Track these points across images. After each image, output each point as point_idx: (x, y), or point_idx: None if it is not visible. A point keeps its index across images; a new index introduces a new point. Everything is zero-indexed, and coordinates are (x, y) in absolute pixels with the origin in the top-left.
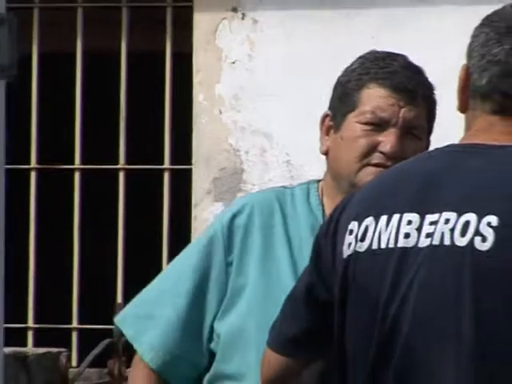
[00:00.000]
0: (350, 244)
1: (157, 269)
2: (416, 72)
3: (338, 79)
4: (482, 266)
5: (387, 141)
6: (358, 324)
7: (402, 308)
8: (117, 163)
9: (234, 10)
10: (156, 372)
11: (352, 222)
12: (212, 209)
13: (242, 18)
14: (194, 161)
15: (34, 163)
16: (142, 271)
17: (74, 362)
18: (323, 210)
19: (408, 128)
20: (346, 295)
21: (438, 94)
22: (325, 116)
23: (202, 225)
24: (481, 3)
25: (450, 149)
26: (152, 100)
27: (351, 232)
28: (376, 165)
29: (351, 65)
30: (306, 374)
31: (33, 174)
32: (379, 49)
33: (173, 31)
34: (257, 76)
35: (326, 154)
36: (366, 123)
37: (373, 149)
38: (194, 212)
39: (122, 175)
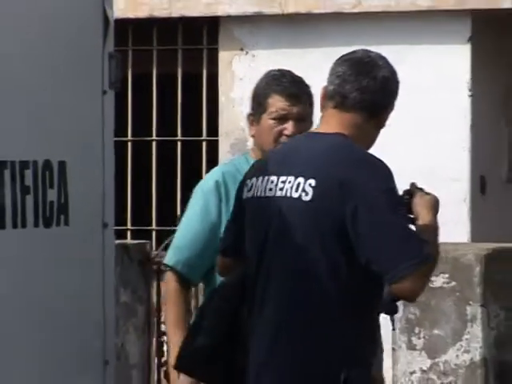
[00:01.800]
0: (246, 192)
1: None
2: (298, 81)
3: (253, 91)
4: (304, 210)
5: (288, 127)
6: (248, 242)
7: (253, 233)
8: (176, 136)
9: (241, 49)
10: (181, 274)
11: (247, 180)
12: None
13: (246, 54)
14: (219, 134)
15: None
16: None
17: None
18: None
19: (298, 118)
20: (244, 224)
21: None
22: (249, 115)
23: None
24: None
25: (302, 135)
26: (196, 101)
27: (246, 185)
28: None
29: (259, 82)
30: (237, 269)
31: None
32: None
33: (207, 61)
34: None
35: (253, 136)
36: (273, 118)
37: (280, 133)
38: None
39: (179, 144)
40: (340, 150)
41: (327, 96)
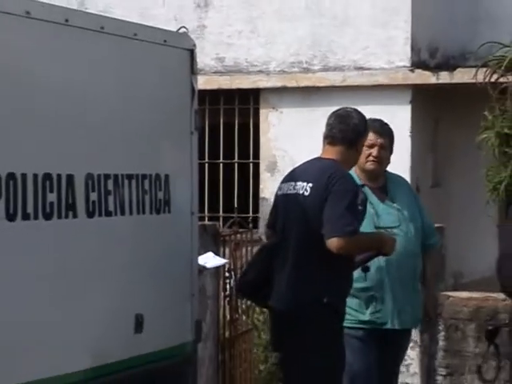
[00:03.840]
0: (279, 191)
1: None
2: (384, 124)
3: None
4: (304, 202)
5: (373, 152)
6: (278, 220)
7: (281, 217)
8: (234, 159)
9: (273, 108)
10: None
11: (281, 184)
12: (269, 184)
13: (276, 111)
14: (260, 159)
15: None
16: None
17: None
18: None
19: (380, 147)
20: (277, 210)
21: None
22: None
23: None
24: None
25: (313, 158)
26: (246, 139)
27: (280, 188)
28: (371, 161)
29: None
30: (273, 237)
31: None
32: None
33: (253, 115)
34: (284, 129)
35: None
36: (366, 145)
37: (369, 155)
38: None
39: (236, 165)
40: (328, 168)
41: (324, 137)
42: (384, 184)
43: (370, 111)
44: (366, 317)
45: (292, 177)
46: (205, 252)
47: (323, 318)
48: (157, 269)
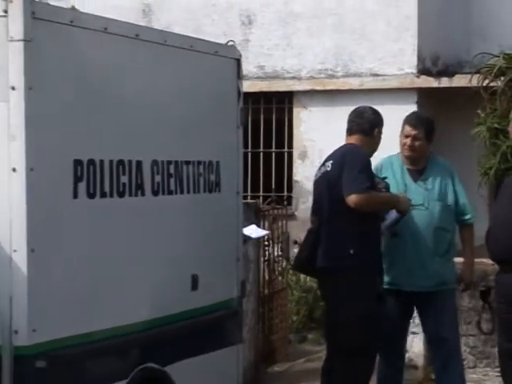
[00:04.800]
0: (315, 177)
1: None
2: (419, 117)
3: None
4: (328, 176)
5: (407, 142)
6: (315, 203)
7: (317, 195)
8: (271, 149)
9: (304, 107)
10: None
11: (317, 171)
12: (300, 169)
13: (306, 109)
14: (294, 148)
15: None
16: None
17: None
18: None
19: (413, 137)
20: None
21: None
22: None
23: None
24: None
25: (340, 145)
26: (281, 131)
27: (316, 175)
28: (406, 149)
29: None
30: (316, 223)
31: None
32: None
33: (288, 112)
34: (312, 124)
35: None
36: (403, 136)
37: (405, 144)
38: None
39: (273, 154)
40: (345, 148)
41: (346, 130)
42: (424, 167)
43: (383, 110)
44: (387, 278)
45: (324, 161)
46: (248, 225)
47: (352, 268)
48: (209, 238)
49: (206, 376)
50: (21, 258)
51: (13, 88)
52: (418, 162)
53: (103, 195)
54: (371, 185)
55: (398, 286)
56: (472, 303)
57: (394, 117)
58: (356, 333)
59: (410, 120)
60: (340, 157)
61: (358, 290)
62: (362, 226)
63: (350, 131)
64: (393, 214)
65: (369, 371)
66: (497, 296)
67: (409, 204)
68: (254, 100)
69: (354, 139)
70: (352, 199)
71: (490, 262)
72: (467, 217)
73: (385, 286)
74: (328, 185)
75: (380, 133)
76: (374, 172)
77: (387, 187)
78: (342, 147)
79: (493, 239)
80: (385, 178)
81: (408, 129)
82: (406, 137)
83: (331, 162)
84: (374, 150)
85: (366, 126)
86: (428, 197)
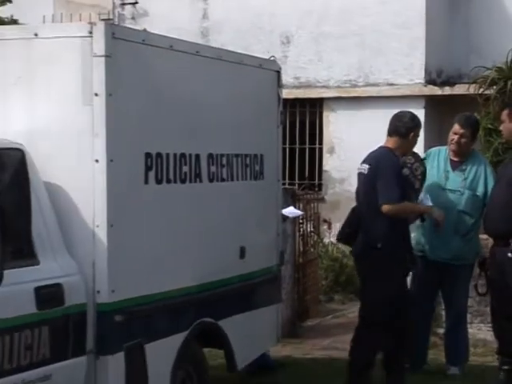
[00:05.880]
0: (357, 170)
1: None
2: (467, 118)
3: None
4: (364, 178)
5: (455, 138)
6: (359, 190)
7: (357, 188)
8: (305, 145)
9: (332, 110)
10: None
11: (359, 165)
12: (329, 162)
13: (334, 112)
14: (323, 144)
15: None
16: None
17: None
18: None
19: (460, 135)
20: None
21: None
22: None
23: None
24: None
25: (377, 147)
26: (314, 131)
27: (359, 168)
28: (452, 144)
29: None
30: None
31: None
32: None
33: (318, 115)
34: (339, 125)
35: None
36: (452, 132)
37: (452, 140)
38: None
39: (307, 149)
40: (379, 154)
41: (388, 130)
42: (465, 160)
43: (390, 114)
44: (418, 247)
45: (363, 160)
46: (286, 206)
47: (378, 259)
48: (255, 216)
49: (252, 329)
50: (102, 232)
51: (96, 94)
52: (460, 154)
53: (168, 181)
54: (402, 190)
55: (425, 253)
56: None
57: None
58: (382, 308)
59: (459, 120)
60: (375, 162)
61: (387, 271)
62: (390, 222)
63: (390, 133)
64: (427, 201)
65: (383, 343)
66: (490, 265)
67: (442, 216)
68: (291, 105)
69: (391, 141)
70: (385, 208)
71: (484, 236)
72: None
73: (415, 252)
74: (364, 185)
75: (416, 136)
76: (422, 157)
77: (424, 173)
78: (377, 150)
79: (489, 218)
80: (423, 159)
81: (457, 127)
82: (455, 134)
83: (368, 166)
84: (409, 151)
85: (403, 129)
86: (463, 185)
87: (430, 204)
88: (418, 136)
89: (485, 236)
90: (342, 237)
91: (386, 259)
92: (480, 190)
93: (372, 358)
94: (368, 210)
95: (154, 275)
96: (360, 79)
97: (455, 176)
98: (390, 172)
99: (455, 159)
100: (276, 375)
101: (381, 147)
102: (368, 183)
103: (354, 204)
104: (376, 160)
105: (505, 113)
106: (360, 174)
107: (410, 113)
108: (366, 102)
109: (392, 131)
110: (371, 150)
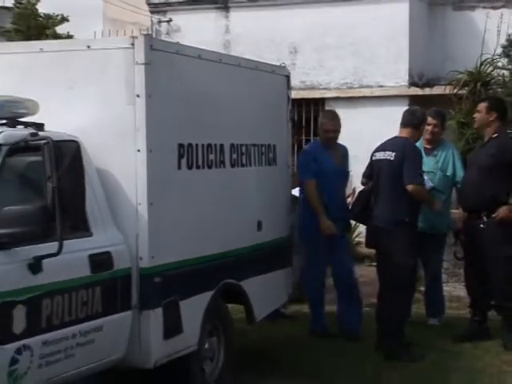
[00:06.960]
0: (373, 157)
1: None
2: (437, 111)
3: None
4: (390, 164)
5: (429, 128)
6: (372, 174)
7: (377, 172)
8: (309, 137)
9: (333, 109)
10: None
11: (375, 153)
12: None
13: (333, 109)
14: None
15: None
16: None
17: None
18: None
19: (433, 125)
20: (372, 167)
21: None
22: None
23: None
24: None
25: (393, 136)
26: (316, 125)
27: (374, 155)
28: (427, 133)
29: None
30: (369, 184)
31: None
32: None
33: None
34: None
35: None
36: (426, 124)
37: (427, 130)
38: None
39: (312, 140)
40: (404, 143)
41: (400, 123)
42: (436, 146)
43: (385, 111)
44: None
45: (383, 148)
46: (294, 187)
47: (405, 232)
48: (270, 195)
49: (267, 288)
50: (143, 209)
51: (138, 95)
52: (433, 142)
53: (198, 167)
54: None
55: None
56: (447, 239)
57: (393, 115)
58: (409, 271)
59: (431, 113)
60: (402, 148)
61: (413, 241)
62: (412, 199)
63: (404, 125)
64: (428, 183)
65: (408, 303)
66: (466, 234)
67: (440, 208)
68: (298, 104)
69: (405, 131)
70: (410, 188)
71: (460, 211)
72: (459, 182)
73: None
74: (390, 169)
75: (424, 128)
76: None
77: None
78: (399, 139)
79: (464, 197)
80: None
81: (430, 119)
82: (428, 124)
83: (394, 153)
84: (418, 140)
85: (416, 121)
86: (435, 167)
87: (431, 185)
88: (424, 127)
89: (457, 210)
90: (353, 215)
91: (412, 231)
92: (450, 171)
93: (408, 313)
94: (394, 190)
95: (186, 244)
96: (355, 82)
97: (429, 160)
98: (417, 157)
99: (428, 146)
100: (288, 326)
101: (396, 137)
102: (396, 167)
103: (349, 188)
104: (402, 147)
105: (483, 105)
106: (382, 160)
107: (419, 108)
108: (360, 101)
109: (406, 123)
110: (386, 139)
